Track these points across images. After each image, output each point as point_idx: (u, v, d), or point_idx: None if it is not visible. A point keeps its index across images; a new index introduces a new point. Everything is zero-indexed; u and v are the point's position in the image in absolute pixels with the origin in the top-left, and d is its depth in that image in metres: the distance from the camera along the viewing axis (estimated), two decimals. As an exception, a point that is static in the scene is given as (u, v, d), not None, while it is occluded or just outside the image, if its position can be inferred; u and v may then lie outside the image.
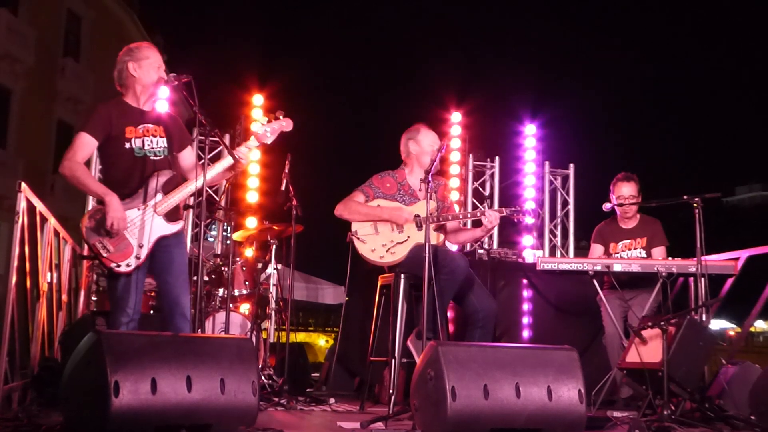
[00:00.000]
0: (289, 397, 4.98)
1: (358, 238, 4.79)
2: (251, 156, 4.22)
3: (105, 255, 3.76)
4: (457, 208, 8.20)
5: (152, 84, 3.98)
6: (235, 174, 4.22)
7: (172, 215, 3.96)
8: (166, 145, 4.03)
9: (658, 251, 5.64)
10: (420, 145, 4.97)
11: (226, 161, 4.09)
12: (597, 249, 5.83)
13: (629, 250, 5.70)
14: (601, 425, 4.07)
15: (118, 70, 4.02)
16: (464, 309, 4.89)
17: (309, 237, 6.14)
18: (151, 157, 3.97)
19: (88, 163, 4.04)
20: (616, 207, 5.72)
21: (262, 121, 4.24)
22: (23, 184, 4.10)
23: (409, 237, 4.78)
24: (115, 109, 3.96)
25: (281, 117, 4.22)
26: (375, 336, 5.00)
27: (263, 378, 5.51)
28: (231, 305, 5.77)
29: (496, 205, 8.48)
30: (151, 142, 3.99)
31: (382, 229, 4.80)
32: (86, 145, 3.87)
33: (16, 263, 4.11)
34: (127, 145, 3.92)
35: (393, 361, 4.65)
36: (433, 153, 4.83)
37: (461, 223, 5.22)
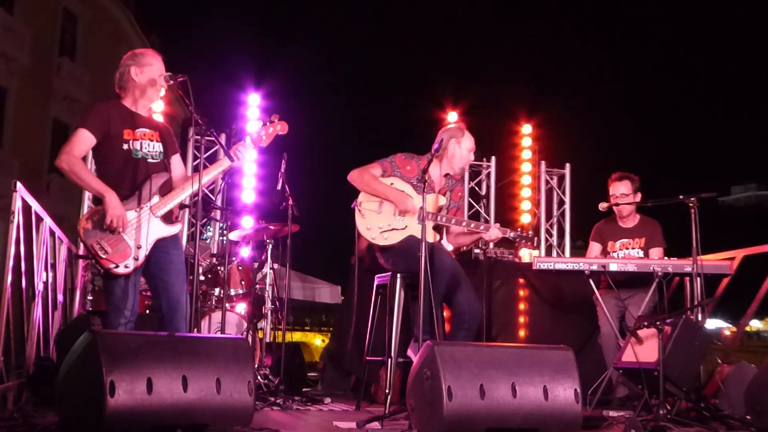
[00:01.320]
0: (285, 396, 4.97)
1: (359, 210, 4.81)
2: (247, 156, 4.23)
3: (103, 256, 3.75)
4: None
5: (150, 89, 3.99)
6: (230, 169, 4.23)
7: (168, 217, 3.96)
8: (162, 150, 4.05)
9: (655, 252, 5.63)
10: (461, 147, 5.00)
11: (224, 163, 4.11)
12: (595, 247, 5.83)
13: (627, 249, 5.69)
14: (597, 425, 4.08)
15: (120, 73, 4.03)
16: (452, 309, 4.91)
17: (305, 236, 6.15)
18: (149, 160, 3.98)
19: (85, 162, 4.04)
20: (612, 206, 5.72)
21: (257, 125, 4.27)
22: (18, 184, 4.09)
23: (406, 227, 4.80)
24: (114, 110, 3.97)
25: (276, 120, 4.26)
26: (371, 335, 5.00)
27: (259, 378, 5.50)
28: (227, 305, 5.77)
29: (492, 205, 8.48)
30: (149, 145, 4.00)
31: (386, 210, 4.83)
32: (85, 141, 3.87)
33: (11, 263, 4.10)
34: (125, 146, 3.93)
35: (389, 360, 4.66)
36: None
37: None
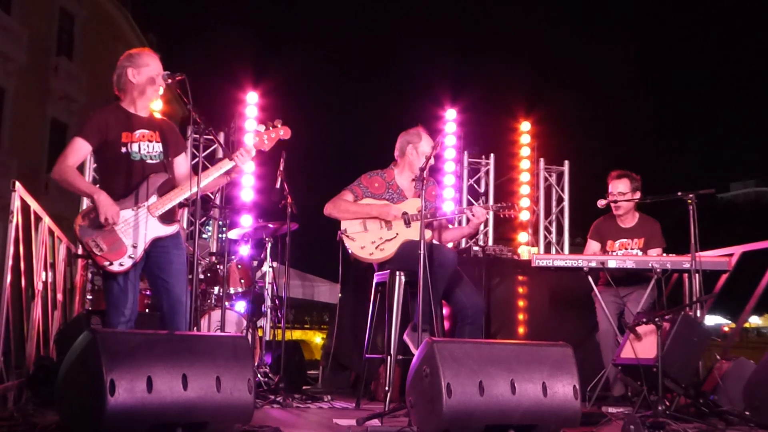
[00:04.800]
0: (285, 394, 4.98)
1: (347, 236, 4.85)
2: (248, 157, 4.21)
3: (98, 253, 3.76)
4: (452, 205, 8.22)
5: (149, 89, 3.99)
6: (231, 179, 4.22)
7: (167, 217, 3.96)
8: (161, 150, 4.04)
9: (654, 253, 5.61)
10: (418, 151, 5.01)
11: (225, 165, 4.07)
12: (593, 245, 5.81)
13: (626, 249, 5.66)
14: (596, 421, 4.09)
15: (117, 75, 4.03)
16: (453, 306, 4.94)
17: (304, 235, 6.15)
18: (147, 161, 3.98)
19: (81, 167, 4.05)
20: (611, 203, 5.71)
21: (260, 128, 4.25)
22: (17, 183, 4.09)
23: (397, 234, 4.85)
24: (112, 115, 3.97)
25: (279, 125, 4.24)
26: (371, 333, 5.01)
27: (259, 376, 5.51)
28: (227, 303, 5.78)
29: (491, 203, 8.49)
30: (147, 146, 3.99)
31: (371, 227, 4.86)
32: (79, 149, 3.89)
33: (10, 262, 4.10)
34: (123, 150, 3.93)
35: (389, 358, 4.67)
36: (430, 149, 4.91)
37: (455, 221, 5.28)
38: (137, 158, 3.95)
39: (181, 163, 4.18)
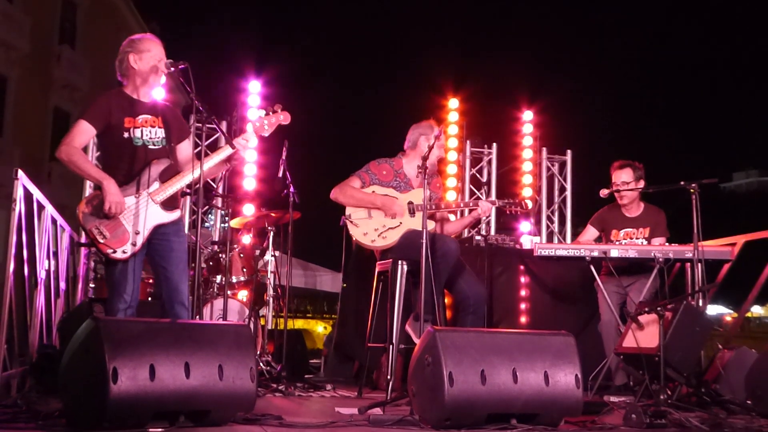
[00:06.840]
0: (287, 383, 5.00)
1: (351, 222, 4.87)
2: (249, 144, 4.22)
3: (101, 240, 3.77)
4: (455, 195, 8.21)
5: (151, 75, 3.98)
6: (232, 166, 4.23)
7: (169, 204, 3.97)
8: (164, 136, 4.04)
9: (658, 242, 5.60)
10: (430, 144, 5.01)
11: (225, 151, 4.09)
12: (590, 231, 5.79)
13: (631, 239, 5.65)
14: (597, 410, 4.09)
15: (119, 60, 4.03)
16: (455, 295, 4.95)
17: (306, 224, 6.15)
18: (150, 147, 3.98)
19: (84, 152, 4.05)
20: (613, 192, 5.70)
21: (260, 114, 4.25)
22: (20, 172, 4.09)
23: (401, 223, 4.87)
24: (115, 100, 3.98)
25: (279, 110, 4.23)
26: (373, 322, 5.02)
27: (261, 364, 5.52)
28: (229, 292, 5.78)
29: (493, 192, 8.50)
30: (150, 132, 4.00)
31: (376, 214, 4.88)
32: (84, 132, 3.89)
33: (13, 251, 4.10)
34: (126, 135, 3.94)
35: (391, 347, 4.68)
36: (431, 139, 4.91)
37: (457, 213, 5.29)
38: (139, 144, 3.96)
39: (185, 149, 4.17)
